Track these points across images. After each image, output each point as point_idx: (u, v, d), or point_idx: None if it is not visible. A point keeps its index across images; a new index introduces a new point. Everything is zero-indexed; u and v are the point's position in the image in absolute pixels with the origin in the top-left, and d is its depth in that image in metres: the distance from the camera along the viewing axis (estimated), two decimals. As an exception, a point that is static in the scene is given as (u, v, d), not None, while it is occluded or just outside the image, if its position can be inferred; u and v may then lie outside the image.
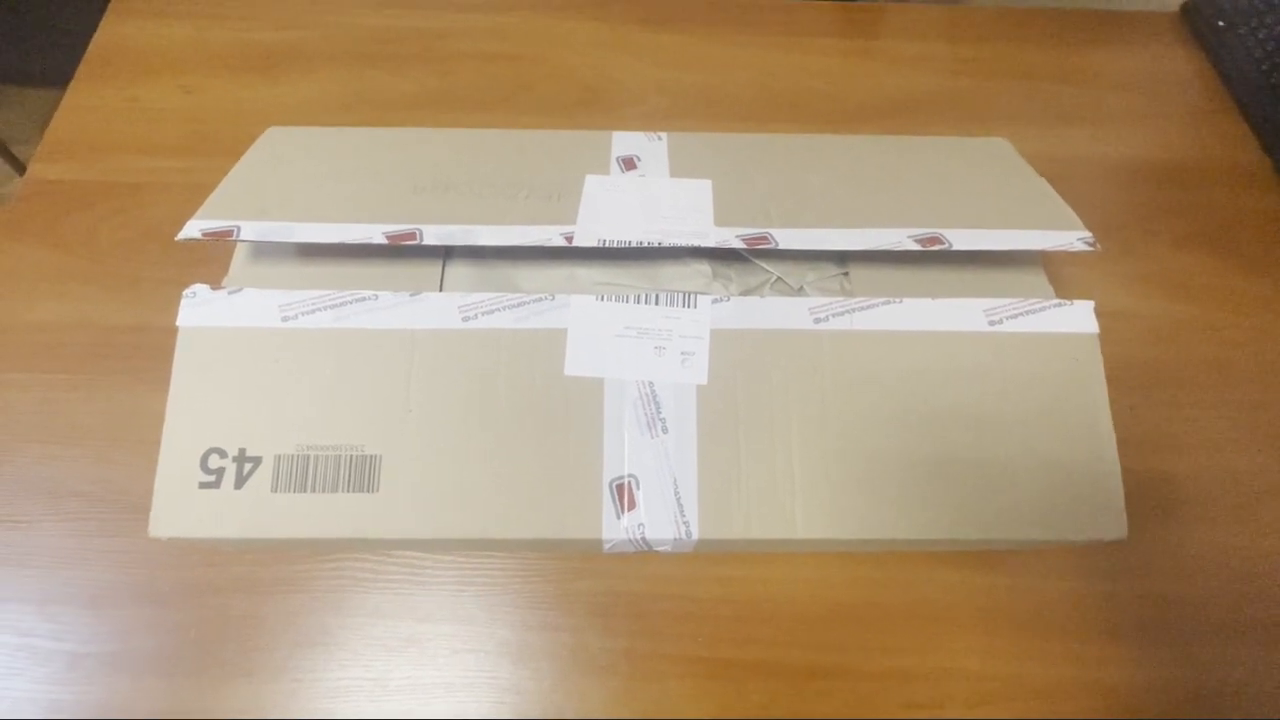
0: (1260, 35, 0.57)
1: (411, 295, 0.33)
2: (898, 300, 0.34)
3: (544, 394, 0.32)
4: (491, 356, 0.32)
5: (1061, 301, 0.35)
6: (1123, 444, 0.33)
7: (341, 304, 0.32)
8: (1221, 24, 0.59)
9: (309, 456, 0.30)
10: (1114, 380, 0.44)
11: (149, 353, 0.42)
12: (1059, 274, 0.42)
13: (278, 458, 0.30)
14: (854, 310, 0.34)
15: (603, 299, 0.33)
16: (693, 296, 0.34)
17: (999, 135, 0.46)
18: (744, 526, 0.31)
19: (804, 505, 0.31)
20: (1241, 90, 0.56)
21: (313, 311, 0.32)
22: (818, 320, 0.34)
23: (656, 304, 0.33)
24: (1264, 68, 0.56)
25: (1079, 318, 0.34)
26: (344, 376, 0.32)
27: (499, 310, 0.33)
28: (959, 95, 0.57)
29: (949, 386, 0.33)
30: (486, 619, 0.37)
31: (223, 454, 0.30)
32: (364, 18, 0.59)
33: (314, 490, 0.30)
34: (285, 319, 0.32)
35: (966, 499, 0.32)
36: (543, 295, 0.33)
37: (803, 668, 0.36)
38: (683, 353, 0.33)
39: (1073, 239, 0.36)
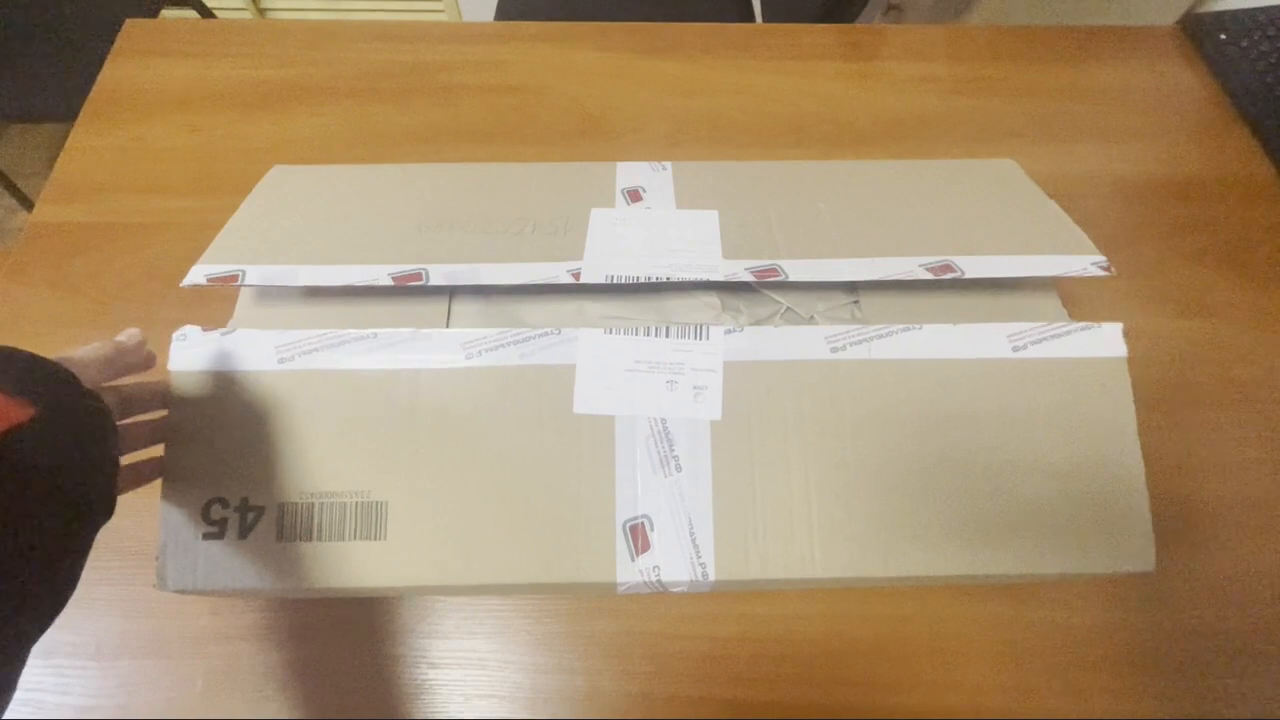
0: (1263, 48, 0.57)
1: (413, 333, 0.32)
2: (917, 327, 0.33)
3: (553, 433, 0.31)
4: (497, 395, 0.31)
5: (1088, 325, 0.33)
6: (1142, 467, 0.32)
7: (340, 343, 0.31)
8: (1223, 37, 0.59)
9: (314, 505, 0.30)
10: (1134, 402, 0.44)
11: (155, 395, 0.42)
12: (1071, 294, 0.41)
13: (281, 506, 0.30)
14: (872, 339, 0.33)
15: (611, 332, 0.32)
16: (705, 328, 0.33)
17: (1004, 154, 0.45)
18: (761, 567, 0.30)
19: (823, 543, 0.31)
20: (1246, 103, 0.56)
21: (310, 352, 0.31)
22: (834, 349, 0.33)
23: (667, 336, 0.32)
24: (1268, 80, 0.56)
25: (1106, 341, 0.33)
26: (345, 419, 0.31)
27: (504, 346, 0.32)
28: (962, 115, 0.57)
29: (972, 417, 0.32)
30: (499, 663, 0.36)
31: (225, 504, 0.30)
32: (366, 53, 0.60)
33: (320, 539, 0.29)
34: (282, 360, 0.31)
35: (990, 532, 0.31)
36: (549, 330, 0.32)
37: (824, 707, 0.35)
38: (695, 386, 0.32)
39: (1087, 264, 0.36)
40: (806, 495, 0.31)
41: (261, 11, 1.35)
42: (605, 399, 0.31)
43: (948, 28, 0.63)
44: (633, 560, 0.30)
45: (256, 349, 0.31)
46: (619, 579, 0.30)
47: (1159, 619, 0.37)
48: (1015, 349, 0.33)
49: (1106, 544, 0.32)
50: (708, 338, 0.33)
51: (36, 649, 0.36)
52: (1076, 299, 0.42)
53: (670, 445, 0.31)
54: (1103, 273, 0.35)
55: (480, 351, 0.32)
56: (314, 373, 0.31)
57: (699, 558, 0.30)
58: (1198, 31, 0.60)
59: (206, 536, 0.29)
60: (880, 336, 0.33)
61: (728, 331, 0.33)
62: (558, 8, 0.88)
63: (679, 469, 0.31)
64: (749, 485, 0.31)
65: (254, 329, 0.32)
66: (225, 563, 0.29)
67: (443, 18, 1.34)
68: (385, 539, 0.30)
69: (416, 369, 0.31)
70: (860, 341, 0.33)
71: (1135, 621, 0.37)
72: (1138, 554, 0.32)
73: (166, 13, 1.06)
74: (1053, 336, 0.33)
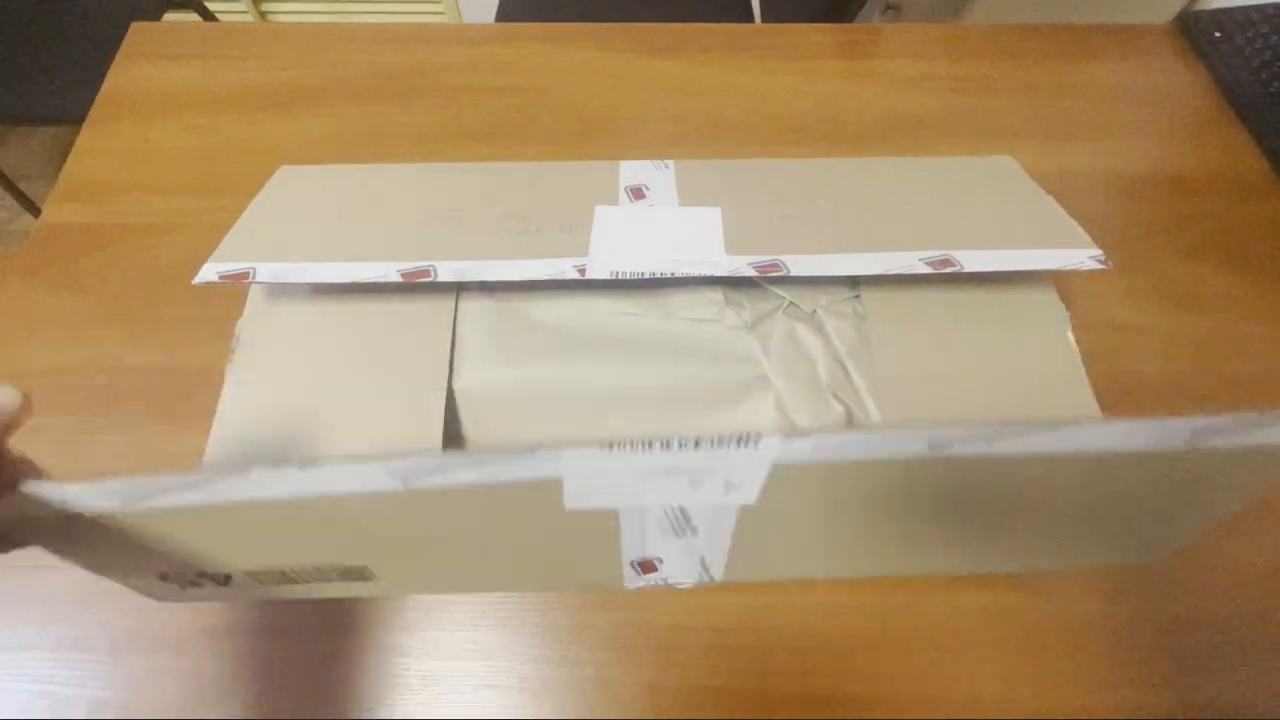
0: (1257, 45, 0.58)
1: (303, 469, 0.22)
2: (1054, 429, 0.24)
3: (539, 531, 0.27)
4: (450, 512, 0.25)
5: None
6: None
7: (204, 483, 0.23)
8: (1218, 34, 0.59)
9: (282, 571, 0.28)
10: (1131, 397, 0.44)
11: (167, 393, 0.43)
12: (1069, 288, 0.42)
13: (249, 573, 0.28)
14: (981, 439, 0.24)
15: (611, 448, 0.23)
16: (755, 438, 0.23)
17: (1002, 152, 0.46)
18: (771, 572, 0.31)
19: (837, 552, 0.31)
20: (1241, 100, 0.56)
21: (154, 496, 0.23)
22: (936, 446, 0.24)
23: (696, 449, 0.23)
24: (1263, 76, 0.56)
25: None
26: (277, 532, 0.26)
27: (454, 469, 0.23)
28: (961, 113, 0.57)
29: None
30: (505, 654, 0.36)
31: (181, 574, 0.28)
32: (368, 54, 0.60)
33: (304, 582, 0.29)
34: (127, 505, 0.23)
35: (1000, 532, 0.31)
36: (516, 453, 0.23)
37: (830, 698, 0.36)
38: (728, 483, 0.25)
39: (1084, 257, 0.36)
40: (828, 541, 0.30)
41: (263, 14, 1.36)
42: (605, 499, 0.26)
43: (946, 26, 0.64)
44: (639, 577, 0.31)
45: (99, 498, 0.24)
46: (626, 587, 0.31)
47: (1162, 607, 0.38)
48: (1189, 443, 0.25)
49: (1122, 536, 0.32)
50: (755, 446, 0.23)
51: (49, 642, 0.36)
52: (1076, 295, 0.43)
53: (687, 519, 0.28)
54: (1099, 265, 0.35)
55: (421, 477, 0.23)
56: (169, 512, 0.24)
57: (708, 575, 0.31)
58: (1193, 29, 0.61)
59: (183, 586, 0.28)
60: (998, 436, 0.24)
61: (787, 439, 0.23)
62: (558, 10, 0.89)
63: (695, 534, 0.29)
64: (768, 535, 0.30)
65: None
66: (210, 593, 0.29)
67: (443, 19, 1.35)
68: (374, 579, 0.30)
69: (339, 494, 0.24)
70: (977, 440, 0.24)
71: (1137, 609, 0.38)
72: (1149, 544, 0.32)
73: (169, 16, 1.07)
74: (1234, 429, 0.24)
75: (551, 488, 0.25)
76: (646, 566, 0.31)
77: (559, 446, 0.22)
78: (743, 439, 0.23)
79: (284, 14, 1.37)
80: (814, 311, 0.38)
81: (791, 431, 0.23)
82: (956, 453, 0.24)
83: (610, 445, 0.23)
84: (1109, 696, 0.36)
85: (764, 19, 0.77)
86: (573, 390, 0.37)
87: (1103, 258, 0.36)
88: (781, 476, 0.25)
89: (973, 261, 0.36)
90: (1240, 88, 0.56)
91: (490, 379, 0.36)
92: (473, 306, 0.38)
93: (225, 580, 0.29)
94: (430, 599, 0.38)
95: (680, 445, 0.23)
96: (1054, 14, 0.94)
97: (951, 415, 0.36)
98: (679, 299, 0.38)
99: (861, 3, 0.66)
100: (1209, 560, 0.39)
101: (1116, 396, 0.44)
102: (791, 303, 0.39)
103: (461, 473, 0.23)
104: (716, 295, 0.38)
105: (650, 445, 0.23)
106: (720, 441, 0.23)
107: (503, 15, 0.93)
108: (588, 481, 0.25)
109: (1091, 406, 0.38)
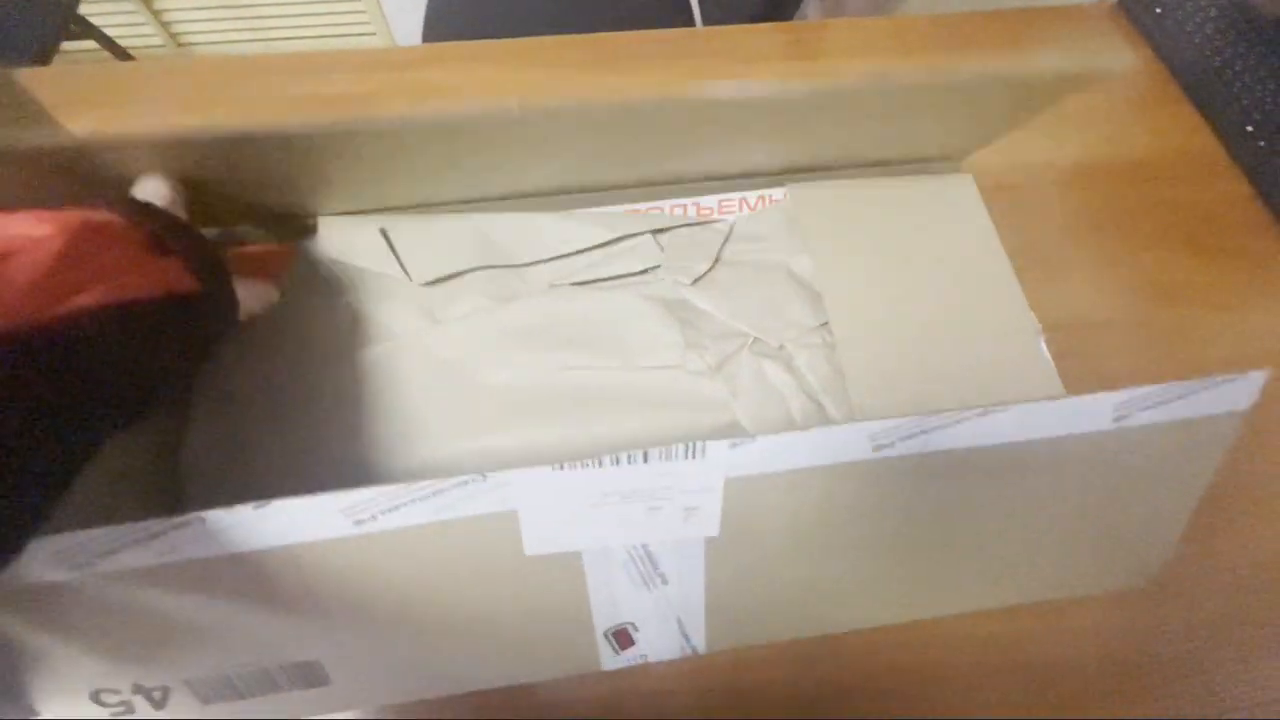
0: (1198, 19, 0.57)
1: (256, 508, 0.22)
2: (999, 409, 0.25)
3: (502, 577, 0.26)
4: (407, 562, 0.25)
5: (1220, 379, 0.27)
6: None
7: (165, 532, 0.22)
8: (1159, 10, 0.59)
9: (228, 676, 0.26)
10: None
11: None
12: (1037, 292, 0.41)
13: (187, 682, 0.26)
14: (932, 430, 0.25)
15: (563, 468, 0.24)
16: (701, 446, 0.24)
17: (953, 145, 0.44)
18: (759, 634, 0.29)
19: (820, 601, 0.29)
20: (1187, 77, 0.56)
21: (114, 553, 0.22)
22: (879, 447, 0.25)
23: (645, 462, 0.24)
24: (1206, 52, 0.56)
25: (1234, 395, 0.27)
26: (215, 614, 0.24)
27: (407, 505, 0.23)
28: (912, 110, 0.56)
29: (1019, 483, 0.28)
30: None
31: (115, 691, 0.25)
32: (290, 88, 0.56)
33: (252, 696, 0.26)
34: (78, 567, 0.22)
35: (1015, 570, 0.30)
36: (469, 477, 0.23)
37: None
38: (686, 508, 0.26)
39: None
40: (821, 580, 0.29)
41: (174, 37, 1.28)
42: (565, 537, 0.26)
43: (887, 20, 0.62)
44: (617, 654, 0.28)
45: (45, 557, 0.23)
46: (604, 667, 0.28)
47: (1167, 614, 0.37)
48: (1117, 419, 0.27)
49: (1126, 564, 0.31)
50: (703, 456, 0.24)
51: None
52: (1045, 298, 0.41)
53: (654, 565, 0.27)
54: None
55: (374, 515, 0.23)
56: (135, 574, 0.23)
57: (689, 643, 0.28)
58: (1134, 7, 0.60)
59: (114, 715, 0.26)
60: (942, 427, 0.25)
61: (734, 445, 0.24)
62: (486, 25, 0.85)
63: (666, 582, 0.28)
64: (751, 580, 0.29)
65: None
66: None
67: (375, 41, 1.29)
68: (329, 684, 0.27)
69: (289, 545, 0.23)
70: (915, 435, 0.25)
71: (1144, 621, 0.37)
72: (1148, 569, 0.31)
73: (68, 45, 1.00)
74: (1165, 401, 0.26)
75: (509, 527, 0.24)
76: (622, 638, 0.29)
77: (511, 469, 0.23)
78: (690, 449, 0.24)
79: (201, 41, 1.30)
80: (781, 345, 0.36)
81: (737, 437, 0.24)
82: (899, 452, 0.25)
83: (561, 465, 0.23)
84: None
85: (704, 20, 0.75)
86: (537, 456, 0.34)
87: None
88: (738, 497, 0.25)
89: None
90: (1186, 66, 0.56)
91: (449, 452, 0.34)
92: (417, 369, 0.35)
93: (163, 698, 0.26)
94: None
95: (630, 460, 0.24)
96: (992, -6, 0.93)
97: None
98: (634, 343, 0.36)
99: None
100: (1208, 555, 0.38)
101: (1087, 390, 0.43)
102: (756, 338, 0.36)
103: (415, 508, 0.23)
104: (675, 338, 0.36)
105: (600, 462, 0.24)
106: (669, 454, 0.24)
107: (430, 30, 0.89)
108: (545, 516, 0.25)
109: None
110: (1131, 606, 0.37)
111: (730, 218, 0.42)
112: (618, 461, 0.24)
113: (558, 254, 0.39)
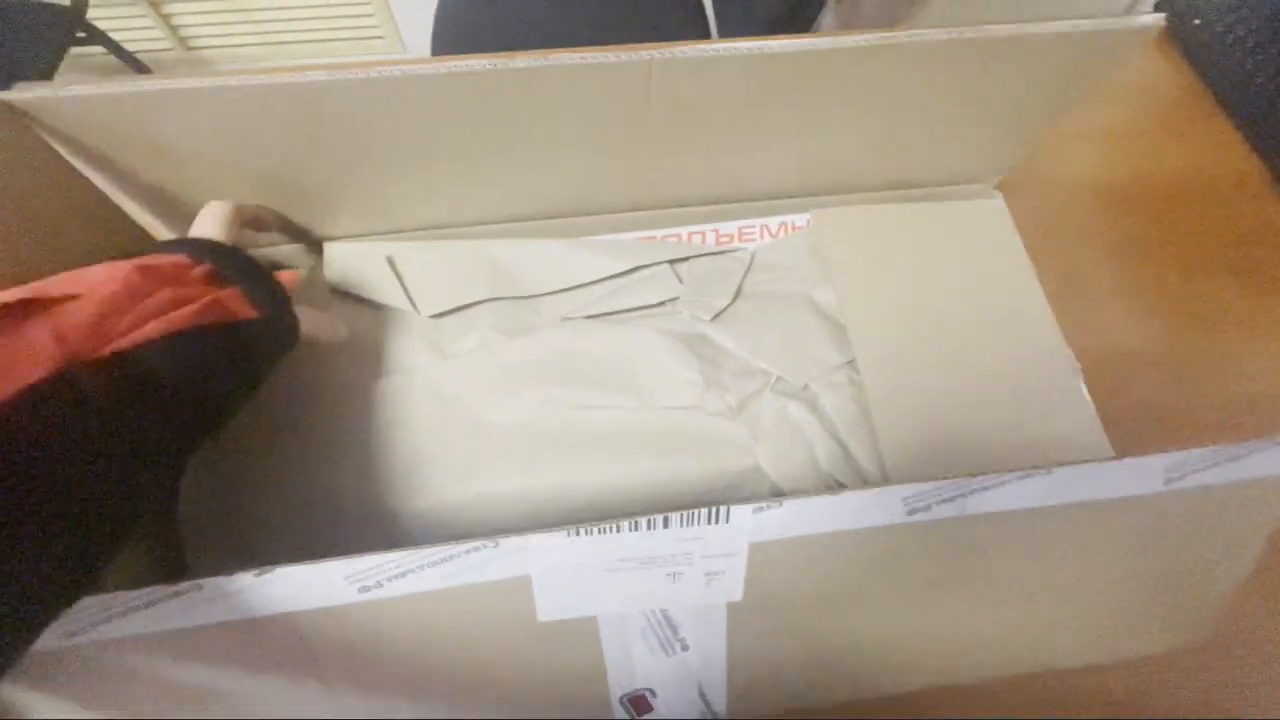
0: (1239, 31, 0.55)
1: (257, 575, 0.21)
2: (1042, 471, 0.23)
3: (514, 642, 0.25)
4: (414, 627, 0.23)
5: (1276, 440, 0.25)
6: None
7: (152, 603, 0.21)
8: (1198, 22, 0.56)
9: None
10: (1142, 430, 0.41)
11: None
12: (1069, 318, 0.39)
13: None
14: (968, 493, 0.23)
15: (579, 533, 0.22)
16: (724, 511, 0.23)
17: (983, 164, 0.42)
18: (784, 700, 0.27)
19: (851, 666, 0.27)
20: (1226, 92, 0.53)
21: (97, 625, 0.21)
22: (913, 511, 0.23)
23: (665, 527, 0.23)
24: (1247, 66, 0.53)
25: None
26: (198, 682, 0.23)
27: (416, 571, 0.22)
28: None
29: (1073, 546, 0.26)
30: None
31: None
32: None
33: None
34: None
35: (1049, 634, 0.28)
36: (480, 543, 0.22)
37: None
38: (708, 573, 0.24)
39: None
40: (849, 644, 0.27)
41: (183, 41, 1.27)
42: (580, 603, 0.24)
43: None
44: None
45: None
46: None
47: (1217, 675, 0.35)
48: (1169, 482, 0.25)
49: (1176, 625, 0.29)
50: (727, 521, 0.23)
51: None
52: (1077, 327, 0.39)
53: (674, 630, 0.26)
54: None
55: (379, 583, 0.22)
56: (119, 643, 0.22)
57: (710, 708, 0.27)
58: (1170, 17, 0.57)
59: None
60: (981, 490, 0.23)
61: (758, 510, 0.22)
62: (495, 31, 0.84)
63: (685, 648, 0.26)
64: (775, 650, 0.27)
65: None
66: None
67: (383, 45, 1.28)
68: None
69: (290, 613, 0.22)
70: (952, 498, 0.23)
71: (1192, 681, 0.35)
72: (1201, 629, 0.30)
73: (76, 51, 0.99)
74: (1220, 463, 0.25)
75: (521, 593, 0.23)
76: (640, 704, 0.27)
77: (524, 533, 0.22)
78: (713, 514, 0.22)
79: (210, 46, 1.29)
80: (805, 385, 0.34)
81: (764, 500, 0.22)
82: (934, 516, 0.23)
83: (577, 530, 0.22)
84: None
85: (720, 32, 0.73)
86: (547, 500, 0.32)
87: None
88: (763, 561, 0.24)
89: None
90: (1224, 80, 0.53)
91: (456, 495, 0.32)
92: (424, 406, 0.33)
93: None
94: None
95: (650, 525, 0.22)
96: (1012, 3, 0.91)
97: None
98: (650, 381, 0.34)
99: (817, 9, 0.62)
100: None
101: (1126, 429, 0.40)
102: (779, 377, 0.35)
103: (424, 574, 0.22)
104: (693, 376, 0.34)
105: (618, 528, 0.22)
106: (691, 519, 0.22)
107: (439, 35, 0.87)
108: (559, 582, 0.23)
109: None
110: (1176, 667, 0.35)
111: (751, 245, 0.40)
112: (636, 527, 0.22)
113: (572, 284, 0.37)
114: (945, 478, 0.23)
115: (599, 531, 0.22)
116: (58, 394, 0.20)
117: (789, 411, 0.34)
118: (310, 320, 0.31)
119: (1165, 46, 0.57)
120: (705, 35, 0.73)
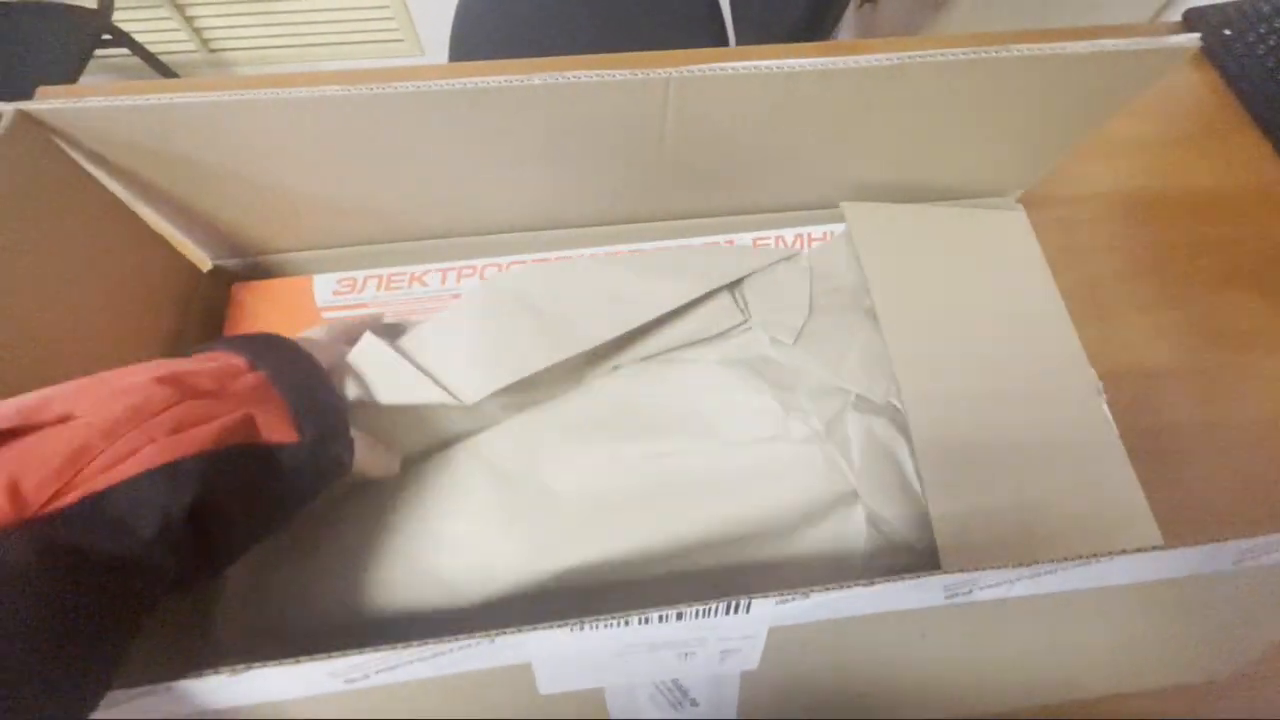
0: (1271, 42, 0.53)
1: (231, 675, 0.20)
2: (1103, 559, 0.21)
3: (515, 709, 0.24)
4: (410, 705, 0.22)
5: None
6: (1182, 523, 0.29)
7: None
8: (1228, 33, 0.55)
9: None
10: (1162, 448, 0.40)
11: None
12: (1092, 334, 0.38)
13: None
14: (1013, 580, 0.22)
15: (583, 628, 0.20)
16: (743, 603, 0.21)
17: (1004, 179, 0.42)
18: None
19: (880, 707, 0.27)
20: (1257, 103, 0.52)
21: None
22: (951, 596, 0.22)
23: (679, 620, 0.21)
24: (1279, 77, 0.52)
25: None
26: None
27: (405, 665, 0.20)
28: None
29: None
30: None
31: None
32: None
33: None
34: None
35: (1083, 672, 0.28)
36: (474, 639, 0.20)
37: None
38: (723, 652, 0.23)
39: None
40: (867, 692, 0.26)
41: (206, 43, 1.29)
42: (584, 680, 0.23)
43: (930, 42, 0.59)
44: None
45: None
46: None
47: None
48: (1237, 562, 0.23)
49: (1215, 660, 0.28)
50: (747, 612, 0.21)
51: None
52: (1100, 340, 0.38)
53: (684, 693, 0.25)
54: None
55: (367, 675, 0.21)
56: None
57: None
58: (1200, 27, 0.56)
59: None
60: (1032, 578, 0.22)
61: (781, 602, 0.21)
62: (514, 38, 0.84)
63: (695, 705, 0.25)
64: (787, 699, 0.26)
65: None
66: None
67: (401, 47, 1.29)
68: None
69: (275, 701, 0.21)
70: (997, 585, 0.22)
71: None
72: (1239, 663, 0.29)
73: (100, 52, 1.01)
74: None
75: (521, 675, 0.22)
76: None
77: (521, 630, 0.20)
78: (731, 605, 0.20)
79: (231, 47, 1.30)
80: (888, 402, 0.33)
81: (788, 593, 0.21)
82: (975, 599, 0.22)
83: (581, 625, 0.20)
84: None
85: (738, 39, 0.72)
86: (638, 563, 0.29)
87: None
88: (783, 640, 0.22)
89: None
90: (1256, 91, 0.52)
91: (529, 581, 0.29)
92: (470, 489, 0.31)
93: None
94: None
95: (661, 620, 0.20)
96: (1036, 8, 0.89)
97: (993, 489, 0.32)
98: (724, 417, 0.32)
99: (837, 19, 0.62)
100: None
101: (1150, 450, 0.39)
102: (859, 395, 0.33)
103: (414, 667, 0.20)
104: (770, 404, 0.32)
105: (626, 623, 0.20)
106: (707, 613, 0.20)
107: (457, 41, 0.88)
108: (561, 666, 0.22)
109: (1134, 488, 0.34)
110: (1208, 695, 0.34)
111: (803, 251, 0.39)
112: (646, 621, 0.20)
113: (632, 326, 0.32)
114: (990, 568, 0.21)
115: (605, 625, 0.20)
116: None
117: (875, 430, 0.32)
118: (365, 449, 0.26)
119: (1195, 57, 0.56)
120: (723, 42, 0.72)
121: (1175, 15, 0.60)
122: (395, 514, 0.30)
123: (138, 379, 0.21)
